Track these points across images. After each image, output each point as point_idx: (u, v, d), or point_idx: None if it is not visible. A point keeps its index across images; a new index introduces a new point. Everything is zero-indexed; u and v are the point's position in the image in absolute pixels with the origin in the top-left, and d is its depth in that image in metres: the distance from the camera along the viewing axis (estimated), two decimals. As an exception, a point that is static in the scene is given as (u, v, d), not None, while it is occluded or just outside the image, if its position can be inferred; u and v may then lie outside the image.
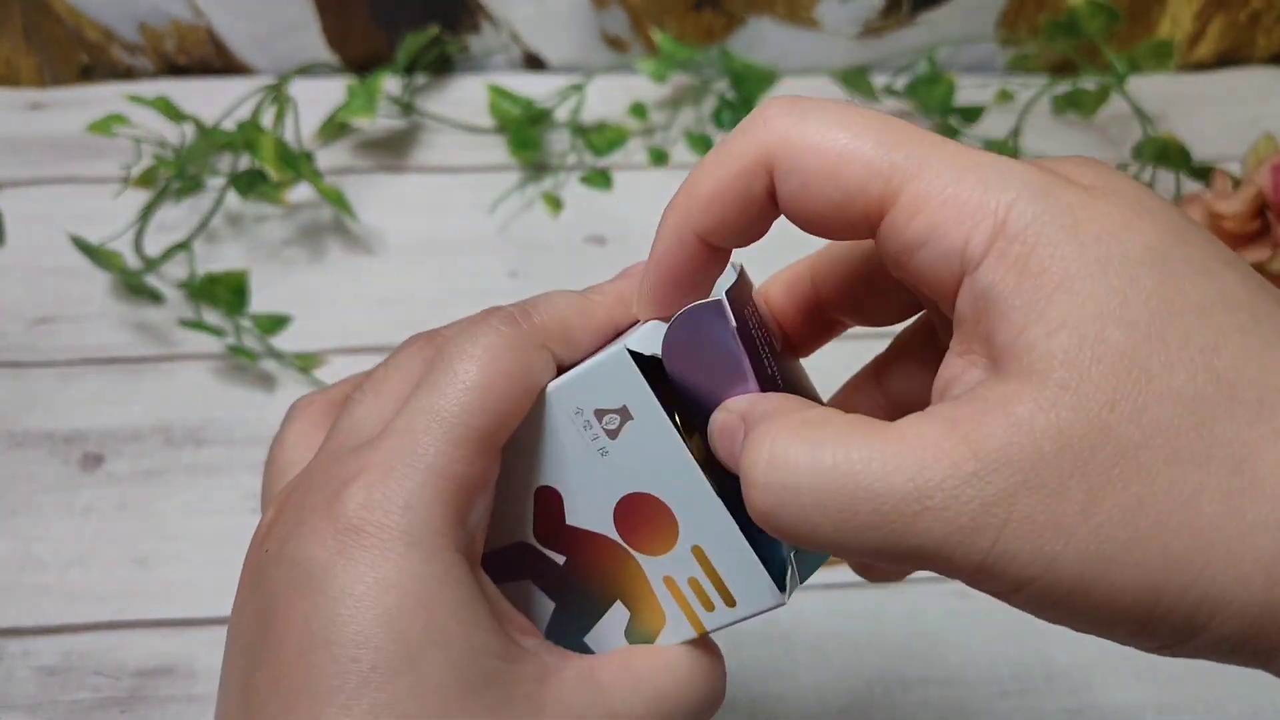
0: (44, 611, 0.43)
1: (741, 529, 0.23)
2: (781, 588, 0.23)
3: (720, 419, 0.22)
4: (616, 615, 0.25)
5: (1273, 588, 0.17)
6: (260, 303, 0.55)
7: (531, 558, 0.26)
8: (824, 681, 0.42)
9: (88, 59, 0.72)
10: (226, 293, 0.54)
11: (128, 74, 0.73)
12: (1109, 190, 0.19)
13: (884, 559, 0.19)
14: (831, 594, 0.45)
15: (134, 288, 0.56)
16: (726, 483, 0.23)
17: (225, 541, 0.46)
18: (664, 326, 0.23)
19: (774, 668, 0.42)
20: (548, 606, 0.26)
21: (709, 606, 0.24)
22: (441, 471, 0.21)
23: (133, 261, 0.56)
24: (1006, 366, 0.18)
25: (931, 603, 0.44)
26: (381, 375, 0.25)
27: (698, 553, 0.23)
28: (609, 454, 0.23)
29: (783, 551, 0.23)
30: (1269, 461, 0.17)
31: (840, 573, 0.45)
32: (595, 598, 0.25)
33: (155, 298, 0.56)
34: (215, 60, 0.72)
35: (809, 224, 0.21)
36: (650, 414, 0.22)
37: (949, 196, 0.19)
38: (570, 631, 0.26)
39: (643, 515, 0.23)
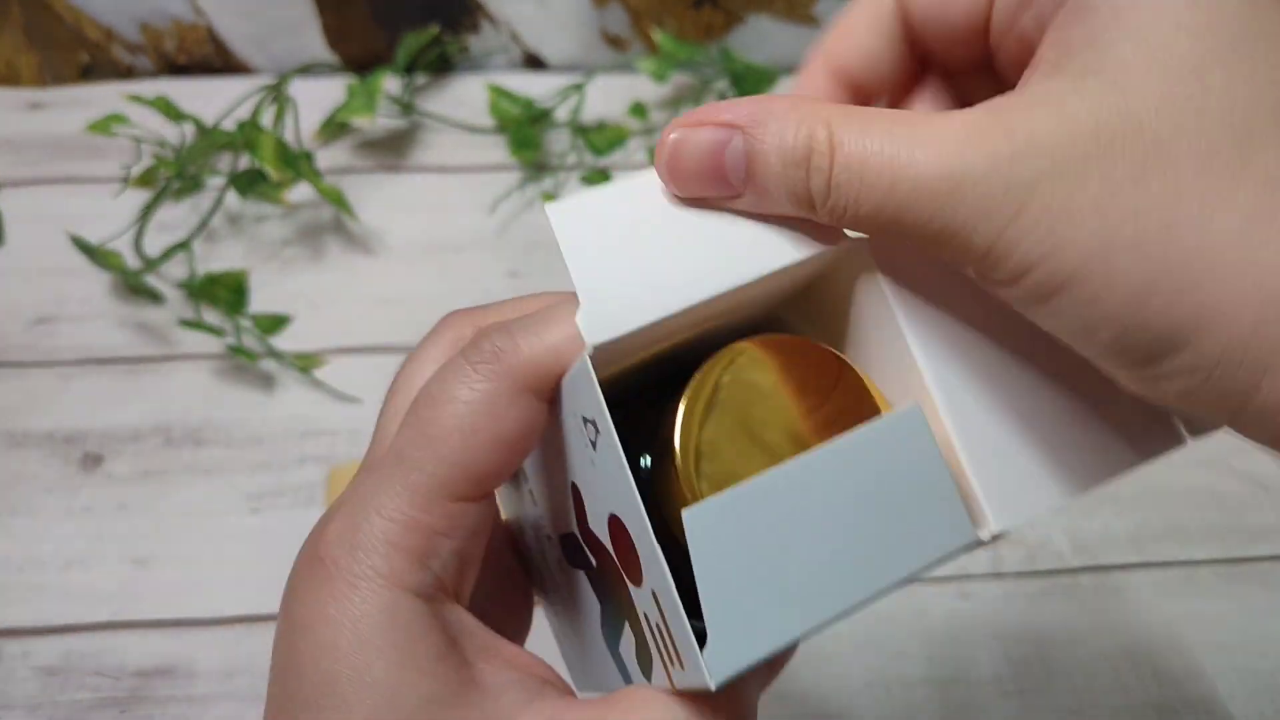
0: (44, 611, 0.43)
1: (682, 594, 0.19)
2: (713, 674, 0.19)
3: (689, 135, 0.20)
4: (628, 635, 0.23)
5: (1264, 323, 0.17)
6: (260, 302, 0.55)
7: (580, 551, 0.24)
8: (824, 681, 0.42)
9: (88, 58, 0.72)
10: (226, 292, 0.54)
11: (128, 73, 0.73)
12: None
13: (914, 239, 0.19)
14: (831, 594, 0.45)
15: (134, 288, 0.56)
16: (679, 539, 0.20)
17: (225, 542, 0.46)
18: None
19: (774, 668, 0.42)
20: (596, 603, 0.25)
21: (672, 660, 0.20)
22: (394, 517, 0.21)
23: (132, 261, 0.56)
24: (1069, 67, 0.19)
25: (931, 603, 0.44)
26: (401, 377, 0.25)
27: (655, 599, 0.20)
28: (595, 465, 0.21)
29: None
30: None
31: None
32: (615, 610, 0.23)
33: (155, 298, 0.56)
34: (215, 60, 0.72)
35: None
36: (606, 431, 0.20)
37: None
38: (611, 636, 0.25)
39: (622, 538, 0.21)
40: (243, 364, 0.53)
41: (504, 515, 0.29)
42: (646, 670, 0.22)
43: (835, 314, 0.24)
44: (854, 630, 0.43)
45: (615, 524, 0.21)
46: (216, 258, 0.59)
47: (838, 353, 0.22)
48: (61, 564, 0.45)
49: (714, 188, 0.21)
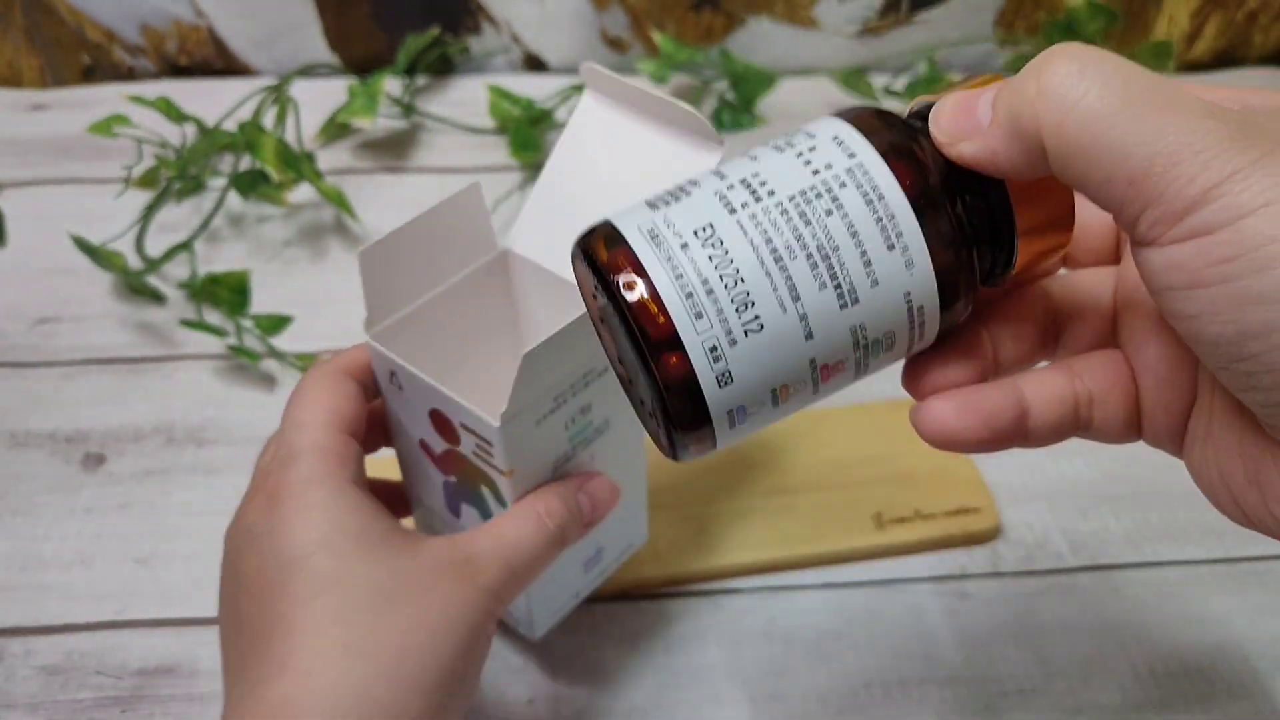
0: (46, 611, 0.43)
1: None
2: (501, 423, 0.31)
3: (950, 100, 0.23)
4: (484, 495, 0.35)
5: None
6: (261, 303, 0.55)
7: (453, 497, 0.37)
8: (824, 681, 0.42)
9: (90, 60, 0.72)
10: (228, 293, 0.54)
11: (129, 75, 0.73)
12: None
13: (1142, 151, 0.20)
14: (831, 594, 0.45)
15: (135, 288, 0.56)
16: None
17: (226, 541, 0.46)
18: None
19: (774, 668, 0.42)
20: (472, 512, 0.36)
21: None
22: (319, 449, 0.32)
23: (134, 262, 0.56)
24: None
25: (930, 602, 0.45)
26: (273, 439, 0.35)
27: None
28: (406, 400, 0.34)
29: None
30: None
31: (840, 572, 0.46)
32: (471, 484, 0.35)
33: (157, 298, 0.56)
34: (216, 61, 0.73)
35: None
36: (408, 375, 0.33)
37: None
38: (475, 505, 0.36)
39: (441, 423, 0.33)
40: (244, 364, 0.53)
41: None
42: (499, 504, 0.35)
43: None
44: (853, 630, 0.43)
45: (437, 418, 0.33)
46: (218, 258, 0.59)
47: None
48: (63, 563, 0.45)
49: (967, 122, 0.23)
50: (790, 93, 0.71)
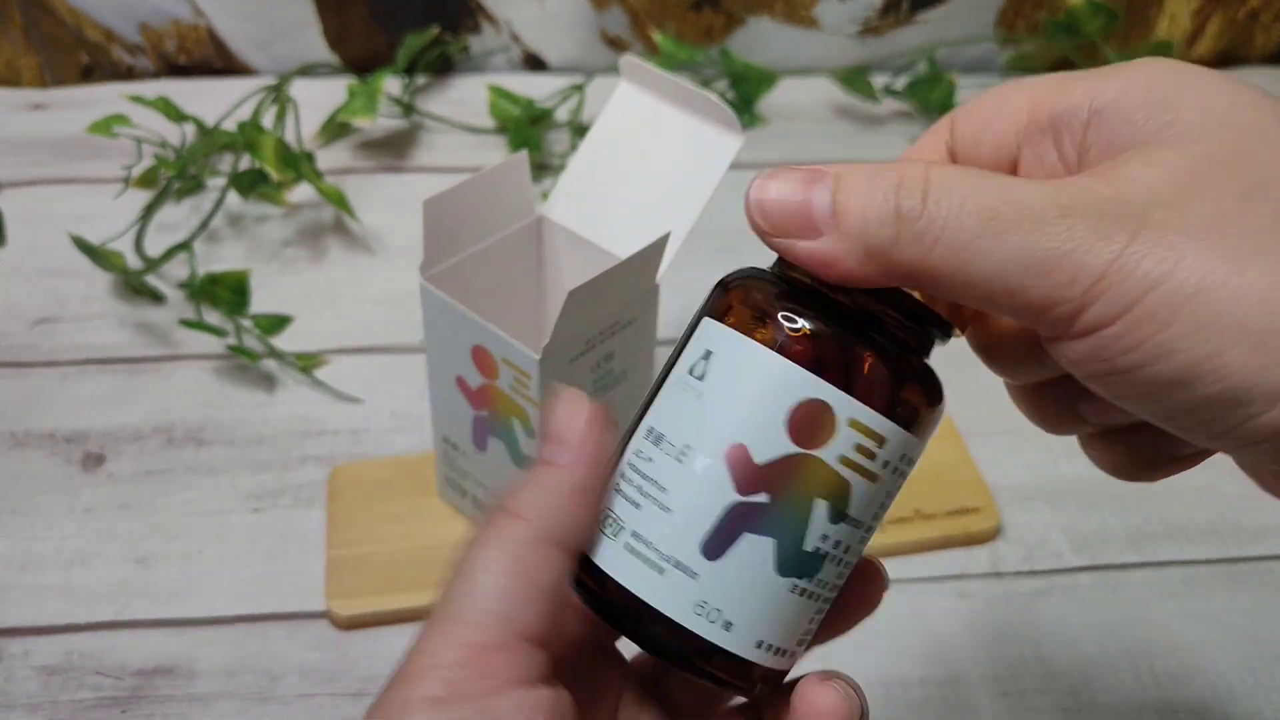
0: (45, 611, 0.43)
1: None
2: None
3: (773, 189, 0.22)
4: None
5: None
6: (261, 303, 0.55)
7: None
8: (824, 681, 0.42)
9: (88, 59, 0.72)
10: (227, 293, 0.54)
11: (129, 74, 0.73)
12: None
13: (1013, 268, 0.20)
14: (831, 593, 0.45)
15: (135, 288, 0.56)
16: None
17: (226, 541, 0.46)
18: None
19: (774, 667, 0.42)
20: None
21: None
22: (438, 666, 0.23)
23: (133, 261, 0.56)
24: (1138, 145, 0.21)
25: (931, 602, 0.45)
26: None
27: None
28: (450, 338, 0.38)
29: None
30: None
31: (840, 572, 0.46)
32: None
33: (156, 298, 0.56)
34: (216, 60, 0.72)
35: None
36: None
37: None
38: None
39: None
40: (244, 364, 0.53)
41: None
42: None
43: None
44: (854, 630, 0.43)
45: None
46: (217, 258, 0.59)
47: None
48: (63, 563, 0.45)
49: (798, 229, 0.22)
50: (790, 92, 0.71)
